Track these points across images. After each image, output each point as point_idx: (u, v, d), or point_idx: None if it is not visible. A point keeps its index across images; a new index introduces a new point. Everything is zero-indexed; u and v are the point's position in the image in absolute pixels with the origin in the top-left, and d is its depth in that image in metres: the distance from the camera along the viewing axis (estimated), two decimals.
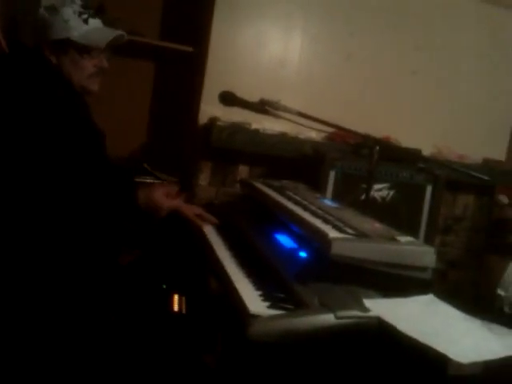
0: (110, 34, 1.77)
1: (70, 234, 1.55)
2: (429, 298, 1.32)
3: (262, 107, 2.03)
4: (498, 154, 3.69)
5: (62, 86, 1.72)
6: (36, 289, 1.54)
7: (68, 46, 1.70)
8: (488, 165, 3.46)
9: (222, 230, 1.77)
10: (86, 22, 1.71)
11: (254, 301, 1.26)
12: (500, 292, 1.84)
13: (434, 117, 3.52)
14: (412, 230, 2.81)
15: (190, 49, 3.11)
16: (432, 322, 1.19)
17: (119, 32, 1.79)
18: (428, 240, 2.86)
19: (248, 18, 3.13)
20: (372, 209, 2.03)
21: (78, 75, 1.73)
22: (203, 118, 3.00)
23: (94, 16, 1.75)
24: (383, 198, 2.91)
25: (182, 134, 3.24)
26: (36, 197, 1.52)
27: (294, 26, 3.21)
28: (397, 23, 3.41)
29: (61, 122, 1.61)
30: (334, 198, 2.59)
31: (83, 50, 1.72)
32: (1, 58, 1.73)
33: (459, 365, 0.98)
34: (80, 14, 1.71)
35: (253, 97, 2.06)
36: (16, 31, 2.43)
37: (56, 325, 1.53)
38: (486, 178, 2.07)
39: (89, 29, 1.72)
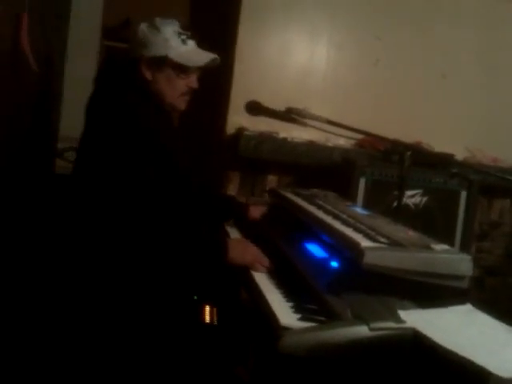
0: (205, 56, 1.83)
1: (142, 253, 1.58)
2: (466, 308, 1.28)
3: (289, 116, 2.01)
4: None
5: (154, 103, 1.77)
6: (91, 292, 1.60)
7: (165, 63, 1.75)
8: None
9: (252, 241, 1.75)
10: (184, 42, 1.77)
11: (285, 313, 1.24)
12: None
13: (465, 120, 3.45)
14: (447, 237, 2.74)
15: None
16: (470, 333, 1.15)
17: (214, 55, 1.85)
18: (464, 247, 2.80)
19: (273, 27, 3.13)
20: (405, 216, 1.99)
21: (171, 93, 1.78)
22: (231, 128, 3.01)
23: (191, 38, 1.81)
24: (416, 205, 2.86)
25: (209, 145, 3.25)
26: (118, 212, 1.56)
27: (319, 33, 3.21)
28: (424, 26, 3.37)
29: (151, 140, 1.65)
30: (365, 205, 2.55)
31: (179, 69, 1.77)
32: (101, 71, 1.80)
33: (500, 379, 0.94)
34: (179, 34, 1.77)
35: (280, 105, 2.05)
36: (48, 48, 2.49)
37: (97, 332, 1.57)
38: None
39: (187, 49, 1.78)
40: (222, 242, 1.65)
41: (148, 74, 1.75)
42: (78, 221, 1.67)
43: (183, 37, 1.77)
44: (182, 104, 1.83)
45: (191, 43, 1.80)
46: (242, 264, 1.62)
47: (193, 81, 1.81)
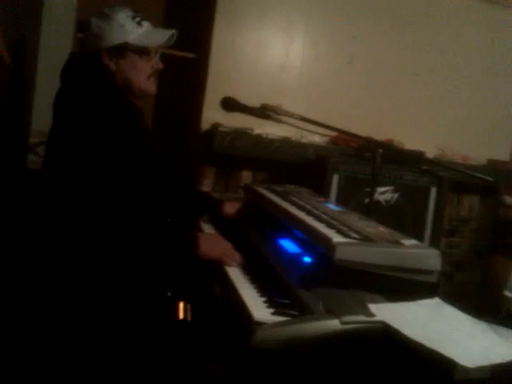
0: (164, 33, 1.80)
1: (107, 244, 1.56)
2: (434, 302, 1.31)
3: (264, 112, 2.02)
4: (502, 154, 3.68)
5: (122, 95, 1.75)
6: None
7: (126, 49, 1.73)
8: (492, 165, 3.46)
9: (226, 237, 1.76)
10: (139, 24, 1.74)
11: (258, 307, 1.25)
12: (507, 293, 1.82)
13: (437, 118, 3.51)
14: (417, 233, 2.80)
15: (192, 55, 3.11)
16: (438, 325, 1.18)
17: (172, 31, 1.81)
18: (433, 242, 2.85)
19: (249, 23, 3.13)
20: (376, 212, 2.02)
21: (138, 78, 1.76)
22: (206, 123, 3.01)
23: (144, 19, 1.78)
24: (387, 201, 2.90)
25: (184, 140, 3.24)
26: (83, 204, 1.54)
27: (295, 30, 3.22)
28: (398, 25, 3.41)
29: (119, 134, 1.63)
30: (338, 201, 2.58)
31: (142, 52, 1.75)
32: (66, 66, 1.75)
33: (466, 369, 0.97)
34: (133, 18, 1.74)
35: (255, 102, 2.06)
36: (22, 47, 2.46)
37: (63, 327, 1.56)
38: (491, 179, 2.06)
39: (144, 31, 1.75)
40: (191, 237, 1.64)
41: (111, 65, 1.72)
42: (47, 218, 1.65)
43: (137, 19, 1.74)
44: (151, 87, 1.80)
45: (146, 24, 1.76)
46: (212, 258, 1.62)
47: (156, 61, 1.79)
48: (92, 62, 1.73)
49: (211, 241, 1.69)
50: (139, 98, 1.84)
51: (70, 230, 1.56)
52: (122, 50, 1.73)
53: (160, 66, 1.81)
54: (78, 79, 1.71)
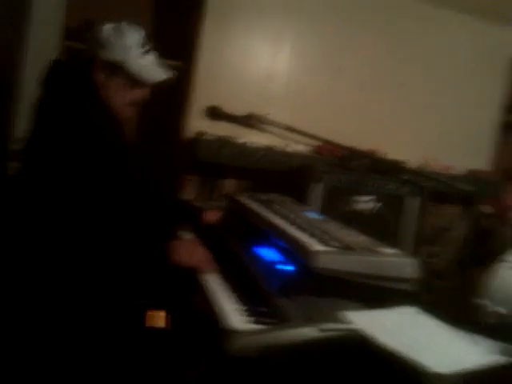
0: (162, 73, 1.77)
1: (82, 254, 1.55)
2: (412, 310, 1.33)
3: (249, 121, 2.04)
4: (483, 164, 3.73)
5: (103, 106, 1.71)
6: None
7: (121, 70, 1.70)
8: (473, 176, 3.50)
9: (207, 245, 1.77)
10: (145, 54, 1.72)
11: (236, 316, 1.26)
12: (477, 301, 1.84)
13: (421, 129, 3.56)
14: (399, 242, 2.83)
15: (179, 63, 3.12)
16: (414, 333, 1.20)
17: (170, 73, 1.79)
18: (414, 252, 2.88)
19: (237, 32, 3.15)
20: (359, 221, 2.05)
21: (119, 100, 1.73)
22: (190, 132, 3.01)
23: (152, 50, 1.75)
24: (370, 210, 2.93)
25: (168, 148, 3.24)
26: (60, 215, 1.52)
27: (283, 39, 3.24)
28: (385, 37, 3.46)
29: (99, 144, 1.61)
30: (322, 210, 2.60)
31: (133, 80, 1.72)
32: (49, 73, 1.70)
33: (439, 375, 0.99)
34: (142, 44, 1.72)
35: (241, 111, 2.07)
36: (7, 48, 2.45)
37: (41, 336, 1.53)
38: (470, 188, 2.09)
39: (145, 62, 1.72)
40: (166, 244, 1.62)
41: (100, 77, 1.69)
42: (22, 225, 1.63)
43: (145, 48, 1.72)
44: (128, 113, 1.78)
45: (151, 57, 1.75)
46: (188, 265, 1.61)
47: (144, 94, 1.78)
48: (82, 68, 1.70)
49: (188, 248, 1.68)
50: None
51: (45, 238, 1.54)
52: (117, 69, 1.69)
53: (146, 98, 1.79)
54: (61, 87, 1.68)
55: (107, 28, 1.69)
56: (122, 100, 1.74)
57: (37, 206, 1.55)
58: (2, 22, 2.26)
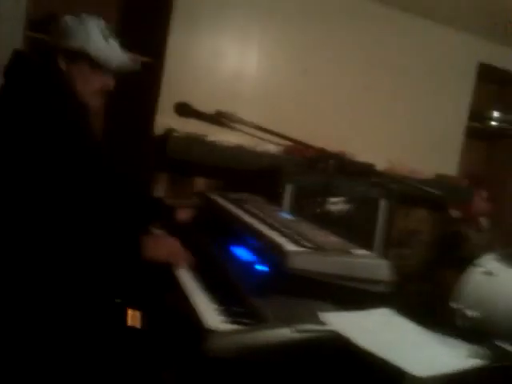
0: (125, 57, 1.79)
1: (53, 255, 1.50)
2: (384, 311, 1.33)
3: (218, 119, 2.01)
4: (450, 169, 3.80)
5: (69, 96, 1.69)
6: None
7: (82, 57, 1.70)
8: (440, 180, 3.56)
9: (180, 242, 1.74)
10: (106, 39, 1.72)
11: (211, 315, 1.24)
12: (452, 305, 1.87)
13: (386, 132, 3.60)
14: (367, 244, 2.85)
15: (148, 59, 3.07)
16: (387, 335, 1.20)
17: (135, 59, 1.83)
18: (383, 253, 2.91)
19: (205, 29, 3.13)
20: (328, 222, 2.05)
21: (83, 88, 1.72)
22: (159, 129, 2.97)
23: (114, 37, 1.76)
24: (339, 212, 2.94)
25: (137, 145, 3.19)
26: (25, 211, 1.47)
27: (250, 38, 3.24)
28: (352, 39, 3.49)
29: (62, 135, 1.57)
30: (292, 211, 2.60)
31: (96, 66, 1.72)
32: (10, 65, 1.67)
33: (416, 378, 0.99)
34: (102, 30, 1.72)
35: (209, 108, 2.04)
36: None
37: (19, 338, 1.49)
38: (438, 192, 2.11)
39: (106, 47, 1.72)
40: (135, 239, 1.60)
41: (63, 65, 1.69)
42: None
43: (105, 33, 1.73)
44: (94, 102, 1.77)
45: (113, 42, 1.76)
46: (160, 260, 1.59)
47: (108, 81, 1.77)
48: (44, 59, 1.69)
49: (157, 242, 1.67)
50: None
51: (12, 238, 1.49)
52: (78, 55, 1.69)
53: (110, 87, 1.79)
54: (21, 78, 1.65)
55: (68, 18, 1.71)
56: (87, 87, 1.73)
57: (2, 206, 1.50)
58: None
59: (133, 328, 1.66)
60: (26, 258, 1.49)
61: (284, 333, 1.14)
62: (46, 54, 1.70)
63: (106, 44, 1.73)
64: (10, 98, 1.61)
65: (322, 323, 1.18)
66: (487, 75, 3.98)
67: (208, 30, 3.13)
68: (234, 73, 3.21)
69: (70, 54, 1.69)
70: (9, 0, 2.75)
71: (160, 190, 2.97)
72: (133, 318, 1.67)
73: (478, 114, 4.03)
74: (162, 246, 1.65)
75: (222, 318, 1.23)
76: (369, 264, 1.41)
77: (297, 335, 1.14)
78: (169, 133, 2.86)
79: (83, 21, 1.70)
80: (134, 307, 1.70)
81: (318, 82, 3.41)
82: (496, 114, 4.12)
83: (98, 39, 1.71)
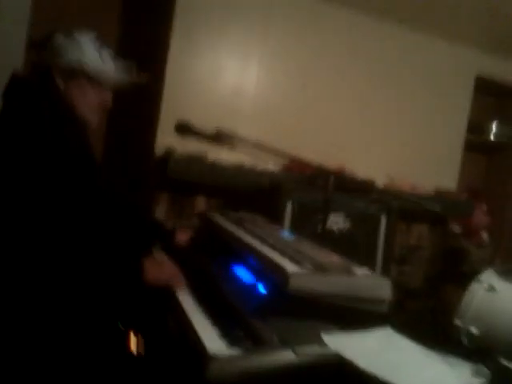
0: (124, 73, 1.79)
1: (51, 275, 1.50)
2: (386, 332, 1.33)
3: (218, 137, 2.02)
4: (449, 184, 3.81)
5: (67, 115, 1.69)
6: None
7: (79, 72, 1.70)
8: (440, 195, 3.56)
9: (179, 265, 1.74)
10: (100, 54, 1.73)
11: (212, 339, 1.23)
12: (456, 322, 1.86)
13: (386, 148, 3.61)
14: (369, 260, 2.85)
15: (147, 78, 3.09)
16: (390, 356, 1.20)
17: (133, 75, 1.81)
18: (384, 270, 2.90)
19: (204, 48, 3.15)
20: (329, 239, 2.04)
21: (82, 104, 1.73)
22: (160, 148, 2.98)
23: (107, 51, 1.76)
24: (340, 229, 2.94)
25: (138, 165, 3.20)
26: (22, 231, 1.47)
27: (250, 56, 3.26)
28: (349, 54, 3.51)
29: (59, 153, 1.57)
30: (292, 228, 2.60)
31: (93, 78, 1.72)
32: (9, 86, 1.68)
33: None
34: (96, 45, 1.73)
35: (209, 126, 2.05)
36: None
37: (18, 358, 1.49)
38: (437, 208, 2.11)
39: (103, 62, 1.73)
40: (136, 263, 1.60)
41: (60, 82, 1.69)
42: None
43: (99, 48, 1.73)
44: (94, 119, 1.78)
45: (107, 56, 1.76)
46: (158, 282, 1.59)
47: (106, 96, 1.78)
48: (41, 78, 1.69)
49: (157, 266, 1.67)
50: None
51: (12, 258, 1.50)
52: (75, 71, 1.70)
53: (109, 103, 1.79)
54: (19, 99, 1.66)
55: (58, 36, 1.70)
56: (86, 103, 1.74)
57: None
58: None
59: (134, 353, 1.65)
60: (26, 281, 1.49)
61: (287, 355, 1.14)
62: (43, 73, 1.70)
63: (100, 56, 1.73)
64: (8, 119, 1.62)
65: (325, 345, 1.18)
66: (485, 88, 4.01)
67: (208, 47, 3.16)
68: (234, 89, 3.23)
69: (66, 71, 1.69)
70: (10, 22, 2.77)
71: (161, 210, 2.97)
72: (134, 342, 1.66)
73: (476, 127, 4.05)
74: (162, 269, 1.65)
75: (223, 342, 1.23)
76: (370, 284, 1.40)
77: (299, 358, 1.14)
78: (169, 153, 2.87)
79: (75, 37, 1.70)
80: (136, 331, 1.70)
81: (317, 98, 3.43)
82: (495, 126, 4.13)
83: (92, 53, 1.71)
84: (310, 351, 1.17)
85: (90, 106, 1.74)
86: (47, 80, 1.69)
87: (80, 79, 1.71)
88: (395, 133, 3.66)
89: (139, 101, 3.24)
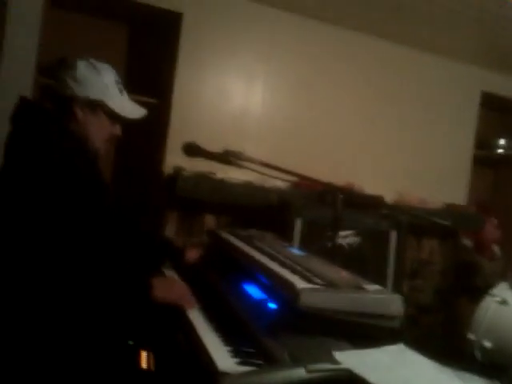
0: (138, 110, 1.84)
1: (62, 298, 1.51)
2: (398, 348, 1.31)
3: (226, 158, 2.03)
4: (459, 198, 3.79)
5: (78, 142, 1.72)
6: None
7: (101, 109, 1.74)
8: (449, 209, 3.54)
9: (189, 283, 1.74)
10: (121, 92, 1.78)
11: (222, 357, 1.23)
12: (470, 336, 1.84)
13: (394, 163, 3.61)
14: (380, 276, 2.83)
15: (154, 101, 3.13)
16: (403, 372, 1.18)
17: (144, 110, 1.86)
18: (396, 285, 2.88)
19: (210, 70, 3.19)
20: (339, 256, 2.03)
21: (98, 136, 1.76)
22: (168, 168, 3.00)
23: (124, 88, 1.82)
24: (350, 245, 2.93)
25: (147, 185, 3.22)
26: (37, 258, 1.49)
27: (255, 77, 3.29)
28: (355, 73, 3.53)
29: (71, 181, 1.59)
30: (301, 245, 2.59)
31: (113, 117, 1.77)
32: (18, 110, 1.70)
33: None
34: (117, 83, 1.78)
35: (216, 147, 2.06)
36: None
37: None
38: (447, 223, 2.10)
39: (122, 99, 1.79)
40: (145, 281, 1.61)
41: (80, 115, 1.72)
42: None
43: (120, 86, 1.78)
44: (103, 149, 1.82)
45: (125, 94, 1.81)
46: (168, 301, 1.60)
47: (118, 129, 1.82)
48: (58, 106, 1.71)
49: (167, 284, 1.68)
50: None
51: (23, 280, 1.50)
52: (97, 106, 1.73)
53: (119, 133, 1.83)
54: (27, 124, 1.67)
55: (82, 65, 1.72)
56: (100, 135, 1.77)
57: (9, 249, 1.51)
58: None
59: (145, 370, 1.65)
60: (38, 299, 1.50)
61: (298, 373, 1.13)
62: (60, 101, 1.72)
63: (121, 96, 1.78)
64: (19, 145, 1.63)
65: (337, 362, 1.17)
66: (490, 104, 4.02)
67: (214, 69, 3.19)
68: (240, 110, 3.26)
69: (87, 103, 1.72)
70: (19, 45, 2.82)
71: (170, 229, 2.98)
72: (145, 359, 1.66)
73: (483, 142, 4.06)
74: (172, 287, 1.66)
75: (234, 359, 1.22)
76: (381, 299, 1.39)
77: (311, 375, 1.13)
78: (178, 172, 2.89)
79: (98, 70, 1.73)
80: (146, 349, 1.69)
81: (323, 115, 3.45)
82: (502, 141, 4.15)
83: (115, 92, 1.76)
84: (322, 368, 1.15)
85: (103, 137, 1.79)
86: (65, 108, 1.71)
87: (100, 113, 1.75)
88: (403, 149, 3.66)
89: (148, 123, 3.26)
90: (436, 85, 3.76)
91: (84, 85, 1.71)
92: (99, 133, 1.76)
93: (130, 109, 1.81)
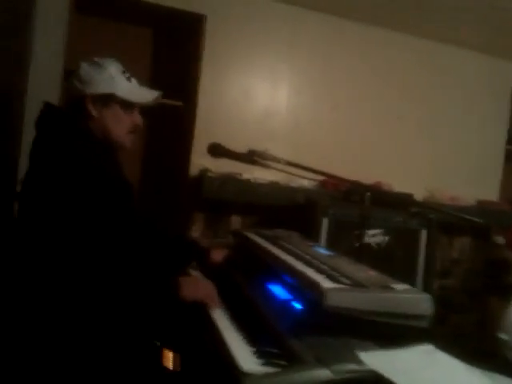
0: (150, 93, 1.84)
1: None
2: (427, 348, 1.28)
3: (251, 158, 2.01)
4: (491, 194, 3.70)
5: (100, 142, 1.74)
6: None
7: (112, 100, 1.75)
8: (481, 206, 3.47)
9: (214, 283, 1.73)
10: (128, 79, 1.78)
11: (246, 358, 1.22)
12: (501, 335, 1.78)
13: (423, 160, 3.55)
14: (409, 275, 2.78)
15: (180, 103, 3.14)
16: (431, 373, 1.15)
17: (158, 93, 1.85)
18: (426, 285, 2.83)
19: (235, 71, 3.19)
20: (367, 255, 2.00)
21: (118, 130, 1.77)
22: (194, 169, 3.01)
23: (132, 76, 1.82)
24: (378, 244, 2.89)
25: (174, 187, 3.24)
26: (58, 255, 1.50)
27: (279, 78, 3.28)
28: (381, 72, 3.49)
29: (97, 184, 1.61)
30: (328, 245, 2.56)
31: (127, 105, 1.77)
32: (41, 115, 1.73)
33: None
34: (123, 72, 1.78)
35: (242, 147, 2.05)
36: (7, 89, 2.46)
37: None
38: (480, 220, 2.04)
39: (131, 86, 1.79)
40: (172, 280, 1.61)
41: (94, 112, 1.73)
42: (24, 268, 1.61)
43: (127, 74, 1.78)
44: (128, 141, 1.81)
45: (134, 80, 1.81)
46: (193, 300, 1.60)
47: (137, 117, 1.81)
48: (73, 108, 1.73)
49: (193, 283, 1.68)
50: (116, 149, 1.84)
51: (48, 280, 1.52)
52: (108, 99, 1.74)
53: (140, 122, 1.83)
54: (51, 129, 1.70)
55: (84, 65, 1.75)
56: (121, 128, 1.78)
57: (36, 250, 1.53)
58: (3, 66, 2.28)
59: (168, 369, 1.65)
60: (65, 300, 1.52)
61: (323, 374, 1.11)
62: (76, 103, 1.74)
63: (130, 83, 1.78)
64: (41, 148, 1.66)
65: (362, 363, 1.14)
66: None
67: (238, 71, 3.20)
68: (265, 111, 3.25)
69: (99, 99, 1.73)
70: (46, 52, 2.87)
71: (197, 230, 2.99)
72: (168, 358, 1.66)
73: None
74: (198, 287, 1.66)
75: (257, 359, 1.21)
76: (410, 299, 1.36)
77: (336, 376, 1.10)
78: (203, 173, 2.90)
79: (103, 65, 1.74)
80: (170, 348, 1.70)
81: (348, 116, 3.42)
82: None
83: (122, 81, 1.76)
84: (347, 369, 1.13)
85: (123, 129, 1.78)
86: (80, 109, 1.73)
87: (112, 107, 1.75)
88: (433, 146, 3.60)
89: (174, 125, 3.29)
90: (466, 81, 3.69)
91: (90, 82, 1.72)
92: (118, 125, 1.76)
93: (141, 94, 1.81)
